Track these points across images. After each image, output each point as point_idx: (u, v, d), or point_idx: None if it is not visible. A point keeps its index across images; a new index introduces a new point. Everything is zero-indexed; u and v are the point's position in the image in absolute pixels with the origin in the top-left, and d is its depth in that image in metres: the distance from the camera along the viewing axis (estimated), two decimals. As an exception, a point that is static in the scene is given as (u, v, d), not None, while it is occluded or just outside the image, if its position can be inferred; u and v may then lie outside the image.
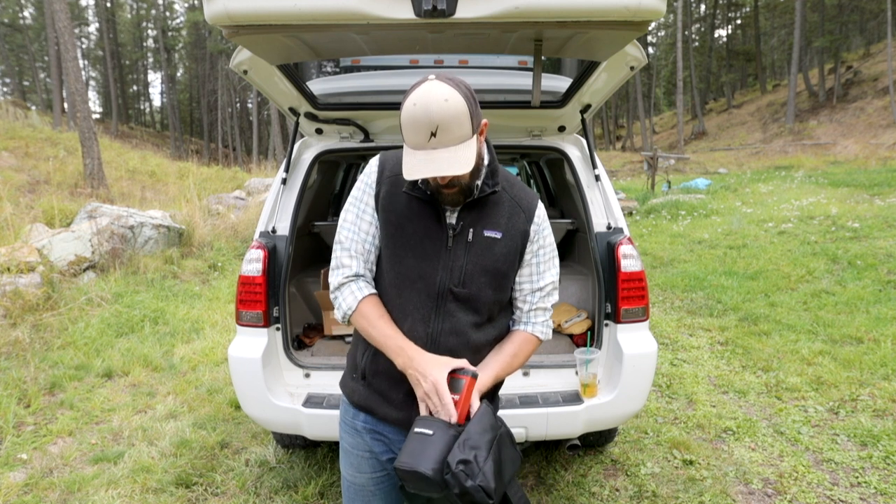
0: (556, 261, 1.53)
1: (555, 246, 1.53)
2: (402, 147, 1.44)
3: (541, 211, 1.48)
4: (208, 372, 4.38)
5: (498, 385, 1.54)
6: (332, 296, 1.44)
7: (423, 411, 1.31)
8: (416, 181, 1.38)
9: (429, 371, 1.30)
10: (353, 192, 1.46)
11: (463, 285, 1.38)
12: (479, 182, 1.36)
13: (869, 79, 31.07)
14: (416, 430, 1.26)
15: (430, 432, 1.23)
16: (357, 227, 1.43)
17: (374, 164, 1.46)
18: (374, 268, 1.46)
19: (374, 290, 1.43)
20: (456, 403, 1.27)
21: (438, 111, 1.18)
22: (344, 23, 1.52)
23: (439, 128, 1.19)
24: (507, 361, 1.44)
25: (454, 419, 1.26)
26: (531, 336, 1.50)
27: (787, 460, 3.03)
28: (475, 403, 1.31)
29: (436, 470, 1.19)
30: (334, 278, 1.43)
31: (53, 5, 12.70)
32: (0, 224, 6.93)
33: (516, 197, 1.45)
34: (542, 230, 1.48)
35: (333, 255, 1.45)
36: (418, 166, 1.21)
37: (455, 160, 1.21)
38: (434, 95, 1.19)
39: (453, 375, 1.31)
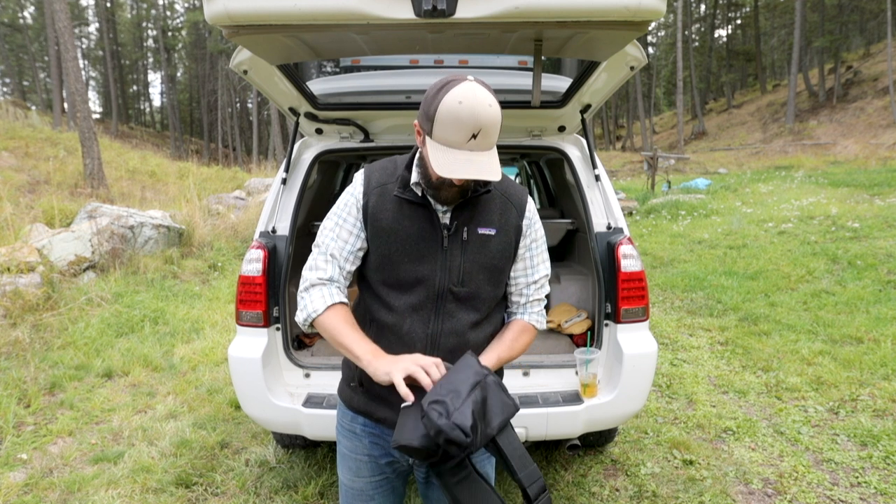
0: (547, 253, 1.54)
1: (545, 238, 1.54)
2: (389, 155, 1.45)
3: (531, 205, 1.49)
4: (208, 372, 4.38)
5: (499, 372, 1.55)
6: (300, 295, 1.41)
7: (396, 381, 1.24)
8: (408, 182, 1.38)
9: (389, 364, 1.26)
10: (337, 203, 1.45)
11: (462, 284, 1.38)
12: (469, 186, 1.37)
13: (869, 79, 31.07)
14: (403, 405, 1.23)
15: (411, 402, 1.21)
16: (336, 234, 1.41)
17: (359, 177, 1.45)
18: (349, 277, 1.45)
19: (345, 300, 1.41)
20: None
21: (485, 115, 1.19)
22: (344, 23, 1.52)
23: (482, 131, 1.20)
24: (507, 345, 1.45)
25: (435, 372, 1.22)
26: (529, 325, 1.51)
27: (787, 460, 3.03)
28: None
29: (422, 436, 1.15)
30: (307, 278, 1.40)
31: (53, 5, 12.71)
32: (0, 224, 6.93)
33: (506, 193, 1.46)
34: (534, 224, 1.49)
35: (310, 257, 1.44)
36: (456, 165, 1.21)
37: (492, 165, 1.22)
38: (481, 99, 1.19)
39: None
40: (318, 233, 1.45)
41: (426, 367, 1.23)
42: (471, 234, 1.38)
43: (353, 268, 1.44)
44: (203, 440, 3.29)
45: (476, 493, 1.25)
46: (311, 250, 1.46)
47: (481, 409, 1.19)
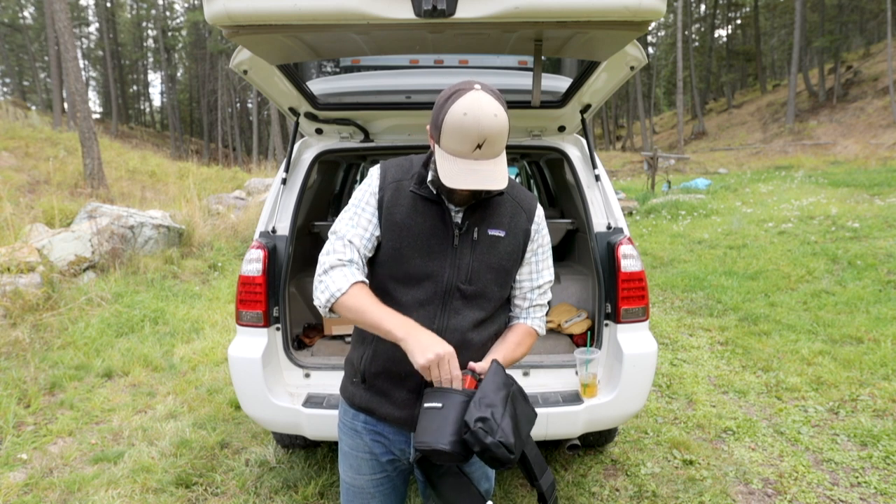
0: (551, 259, 1.57)
1: (551, 245, 1.57)
2: (389, 155, 1.47)
3: (540, 211, 1.53)
4: (208, 372, 4.38)
5: None
6: (319, 279, 1.38)
7: (426, 376, 1.24)
8: (424, 180, 1.41)
9: (435, 342, 1.24)
10: (354, 195, 1.47)
11: (470, 282, 1.41)
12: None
13: (869, 79, 31.06)
14: (426, 405, 1.24)
15: (440, 405, 1.21)
16: (355, 222, 1.42)
17: (375, 172, 1.47)
18: (365, 268, 1.44)
19: (366, 280, 1.40)
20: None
21: (489, 126, 1.21)
22: (344, 23, 1.52)
23: (486, 141, 1.22)
24: (511, 348, 1.46)
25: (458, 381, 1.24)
26: (531, 329, 1.53)
27: (787, 460, 3.03)
28: (483, 368, 1.32)
29: (453, 442, 1.18)
30: (325, 261, 1.38)
31: (53, 5, 12.71)
32: (0, 224, 6.93)
33: (517, 198, 1.49)
34: (541, 230, 1.52)
35: (327, 243, 1.42)
36: (461, 176, 1.24)
37: (496, 174, 1.25)
38: (486, 109, 1.21)
39: (432, 386, 1.29)
40: (335, 223, 1.45)
41: (443, 374, 1.23)
42: (481, 235, 1.41)
43: (369, 256, 1.44)
44: (203, 440, 3.29)
45: (457, 486, 1.33)
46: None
47: (515, 423, 1.22)
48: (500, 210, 1.44)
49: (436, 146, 1.30)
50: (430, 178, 1.40)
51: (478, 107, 1.21)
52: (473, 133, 1.21)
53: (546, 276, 1.54)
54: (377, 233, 1.43)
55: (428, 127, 1.35)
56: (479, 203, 1.41)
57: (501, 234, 1.43)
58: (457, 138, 1.23)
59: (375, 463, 1.53)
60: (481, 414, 1.17)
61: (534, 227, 1.49)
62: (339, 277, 1.34)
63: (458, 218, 1.41)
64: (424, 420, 1.22)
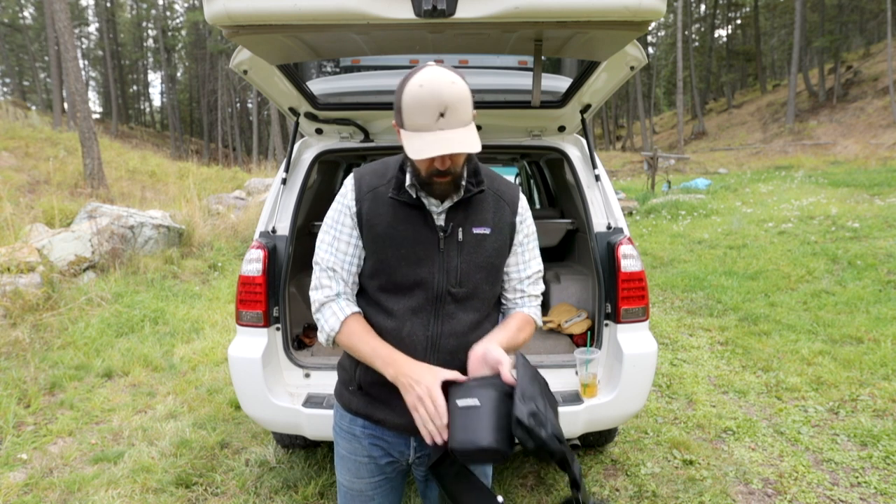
0: (538, 249, 1.54)
1: (536, 234, 1.54)
2: (389, 155, 1.46)
3: (523, 202, 1.50)
4: (208, 372, 4.38)
5: None
6: (315, 316, 1.43)
7: (417, 420, 1.27)
8: (402, 184, 1.36)
9: (421, 377, 1.27)
10: (329, 214, 1.44)
11: (460, 285, 1.38)
12: (462, 182, 1.36)
13: (869, 79, 31.06)
14: (460, 403, 1.20)
15: (477, 402, 1.18)
16: (334, 248, 1.41)
17: (349, 183, 1.43)
18: (355, 286, 1.44)
19: (356, 309, 1.41)
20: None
21: (448, 92, 1.19)
22: (344, 23, 1.52)
23: (448, 109, 1.19)
24: (512, 333, 1.42)
25: (445, 421, 1.22)
26: (529, 317, 1.49)
27: (787, 460, 3.03)
28: (505, 359, 1.28)
29: (499, 439, 1.14)
30: (316, 299, 1.42)
31: (53, 5, 12.71)
32: (0, 224, 6.93)
33: (499, 191, 1.46)
34: (526, 220, 1.49)
35: (313, 276, 1.44)
36: (427, 147, 1.19)
37: (465, 139, 1.20)
38: (441, 78, 1.19)
39: (458, 382, 1.27)
40: (317, 246, 1.44)
41: (430, 406, 1.24)
42: (466, 235, 1.38)
43: (357, 272, 1.43)
44: (203, 440, 3.29)
45: (471, 489, 1.30)
46: (310, 250, 1.45)
47: (555, 412, 1.21)
48: (482, 207, 1.41)
49: (401, 132, 1.25)
50: (408, 182, 1.36)
51: (433, 77, 1.19)
52: (433, 101, 1.18)
53: (534, 265, 1.50)
54: (358, 252, 1.41)
55: (393, 122, 1.30)
56: (461, 202, 1.37)
57: (487, 231, 1.40)
58: (417, 111, 1.20)
59: (374, 466, 1.51)
60: (530, 408, 1.14)
61: (518, 218, 1.46)
62: (331, 316, 1.39)
63: (440, 220, 1.37)
64: (461, 419, 1.18)
